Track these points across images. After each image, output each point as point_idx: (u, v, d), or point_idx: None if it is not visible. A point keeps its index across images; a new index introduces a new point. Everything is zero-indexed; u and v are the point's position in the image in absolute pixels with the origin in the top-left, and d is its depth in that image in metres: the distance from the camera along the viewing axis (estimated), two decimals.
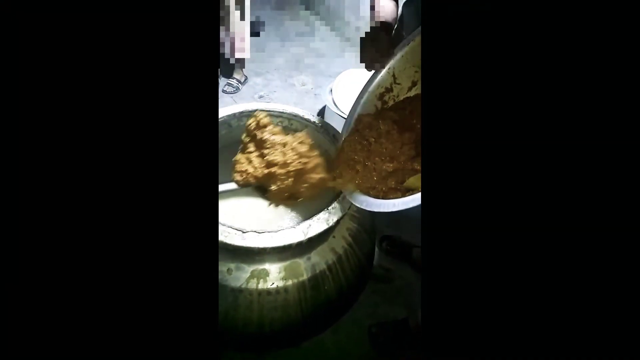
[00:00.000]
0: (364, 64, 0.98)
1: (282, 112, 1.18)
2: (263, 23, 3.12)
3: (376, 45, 0.95)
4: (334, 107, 1.84)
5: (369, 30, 0.97)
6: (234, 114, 1.14)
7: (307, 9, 3.50)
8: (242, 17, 2.21)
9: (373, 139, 0.92)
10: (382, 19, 0.97)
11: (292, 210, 1.38)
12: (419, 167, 0.84)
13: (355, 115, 0.98)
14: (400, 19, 1.28)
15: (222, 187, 0.93)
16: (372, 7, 1.01)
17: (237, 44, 2.27)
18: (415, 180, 0.81)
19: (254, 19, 2.81)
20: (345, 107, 1.80)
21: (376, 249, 1.23)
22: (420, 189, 0.78)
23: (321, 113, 2.19)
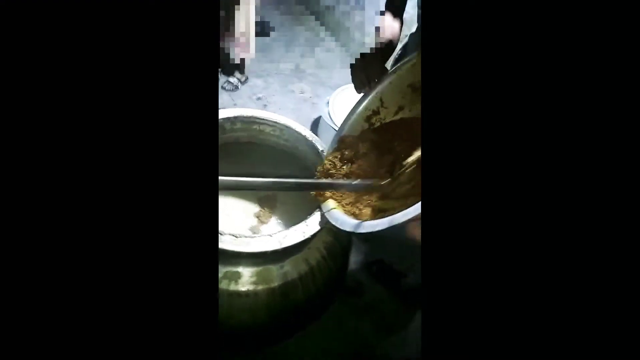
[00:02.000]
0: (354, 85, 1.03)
1: (276, 122, 1.21)
2: (273, 28, 3.18)
3: (367, 70, 0.99)
4: (329, 119, 1.88)
5: (362, 54, 1.01)
6: (228, 118, 1.18)
7: (315, 18, 3.54)
8: (248, 17, 2.25)
9: (352, 159, 0.96)
10: (383, 40, 1.00)
11: (275, 216, 1.42)
12: (393, 189, 0.89)
13: (340, 136, 1.02)
14: (405, 47, 1.32)
15: None
16: (377, 29, 1.05)
17: (242, 43, 2.30)
18: (383, 203, 0.85)
19: (261, 20, 2.86)
20: (340, 121, 1.84)
21: (350, 260, 1.26)
22: (390, 211, 0.82)
23: (316, 122, 2.23)
